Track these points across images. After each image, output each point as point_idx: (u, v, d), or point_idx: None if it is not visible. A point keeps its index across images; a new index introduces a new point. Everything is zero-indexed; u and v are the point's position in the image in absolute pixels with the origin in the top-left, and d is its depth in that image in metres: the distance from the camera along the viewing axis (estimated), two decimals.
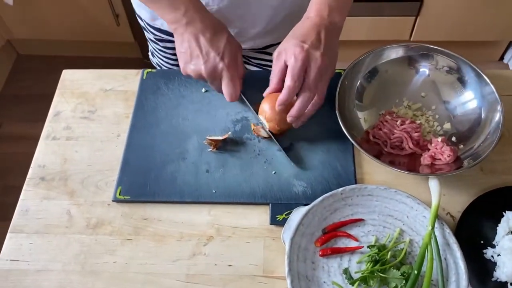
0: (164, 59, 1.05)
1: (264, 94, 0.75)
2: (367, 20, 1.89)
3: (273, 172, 0.76)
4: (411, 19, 1.88)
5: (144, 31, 1.03)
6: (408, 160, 0.75)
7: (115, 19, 1.94)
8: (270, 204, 0.72)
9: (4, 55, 2.21)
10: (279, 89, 0.71)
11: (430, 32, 1.93)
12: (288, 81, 0.68)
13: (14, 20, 2.04)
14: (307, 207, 0.69)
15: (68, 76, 0.90)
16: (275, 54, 0.72)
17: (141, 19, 0.98)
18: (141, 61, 2.13)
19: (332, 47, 0.71)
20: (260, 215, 0.72)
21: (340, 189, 0.70)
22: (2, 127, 2.07)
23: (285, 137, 0.79)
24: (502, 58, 2.16)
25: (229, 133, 0.79)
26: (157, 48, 1.03)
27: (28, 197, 0.76)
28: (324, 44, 0.69)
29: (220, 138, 0.77)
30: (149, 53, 1.13)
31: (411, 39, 1.96)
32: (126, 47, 2.07)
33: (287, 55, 0.69)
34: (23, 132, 1.92)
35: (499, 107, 0.72)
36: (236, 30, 0.90)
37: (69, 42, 2.15)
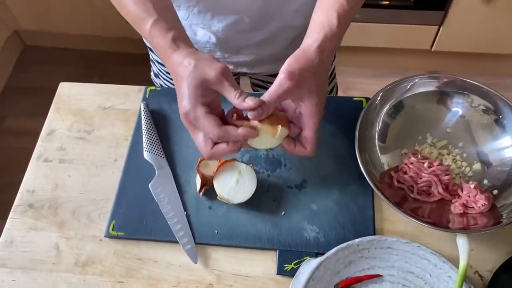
0: (171, 80, 0.97)
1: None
2: (387, 27, 1.79)
3: (283, 212, 0.68)
4: (434, 28, 1.78)
5: (149, 51, 0.96)
6: (436, 207, 0.67)
7: None
8: (277, 251, 0.65)
9: (11, 45, 2.15)
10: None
11: (453, 42, 1.82)
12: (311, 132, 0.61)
13: (22, 10, 1.98)
14: (318, 260, 0.62)
15: (65, 90, 0.83)
16: (284, 74, 0.57)
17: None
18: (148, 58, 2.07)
19: None
20: (266, 262, 0.65)
21: (357, 240, 0.63)
22: (5, 120, 2.02)
23: (298, 173, 0.71)
24: None
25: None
26: (163, 69, 0.95)
27: (14, 227, 0.69)
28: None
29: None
30: (152, 74, 1.05)
31: (433, 49, 1.86)
32: (134, 43, 1.99)
33: (307, 110, 0.60)
34: (25, 126, 1.86)
35: None
36: (253, 56, 0.84)
37: (76, 36, 2.08)
